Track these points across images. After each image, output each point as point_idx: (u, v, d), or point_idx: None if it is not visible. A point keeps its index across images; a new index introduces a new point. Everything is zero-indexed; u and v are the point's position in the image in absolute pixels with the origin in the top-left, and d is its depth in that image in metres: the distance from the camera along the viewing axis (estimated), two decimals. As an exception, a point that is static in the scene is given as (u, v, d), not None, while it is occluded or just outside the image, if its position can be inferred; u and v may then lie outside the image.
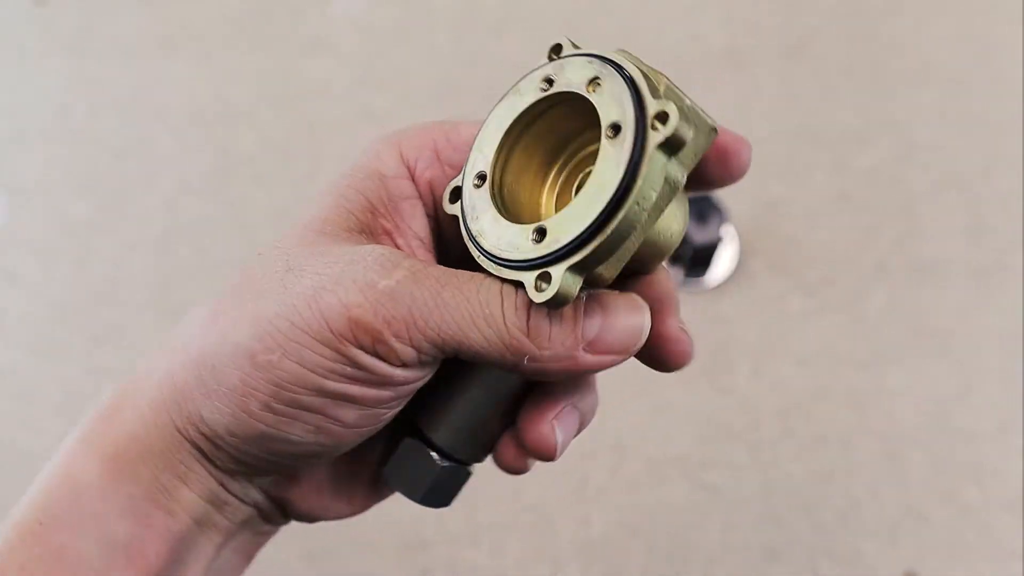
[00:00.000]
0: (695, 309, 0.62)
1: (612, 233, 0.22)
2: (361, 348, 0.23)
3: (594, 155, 0.23)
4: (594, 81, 0.23)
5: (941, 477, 0.57)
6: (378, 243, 0.25)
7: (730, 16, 0.74)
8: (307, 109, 0.71)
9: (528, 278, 0.23)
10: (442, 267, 0.24)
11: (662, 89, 0.23)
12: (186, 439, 0.25)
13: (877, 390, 0.59)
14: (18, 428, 0.61)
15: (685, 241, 0.58)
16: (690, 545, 0.55)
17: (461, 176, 0.25)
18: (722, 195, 0.65)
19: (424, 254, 0.26)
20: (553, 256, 0.22)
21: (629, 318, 0.24)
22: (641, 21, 0.75)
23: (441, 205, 0.26)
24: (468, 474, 0.29)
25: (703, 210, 0.60)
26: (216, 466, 0.26)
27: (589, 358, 0.24)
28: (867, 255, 0.64)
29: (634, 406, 0.59)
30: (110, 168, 0.70)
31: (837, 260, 0.64)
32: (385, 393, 0.24)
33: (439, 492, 0.28)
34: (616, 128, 0.22)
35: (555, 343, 0.23)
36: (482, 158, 0.25)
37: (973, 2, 0.74)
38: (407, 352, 0.23)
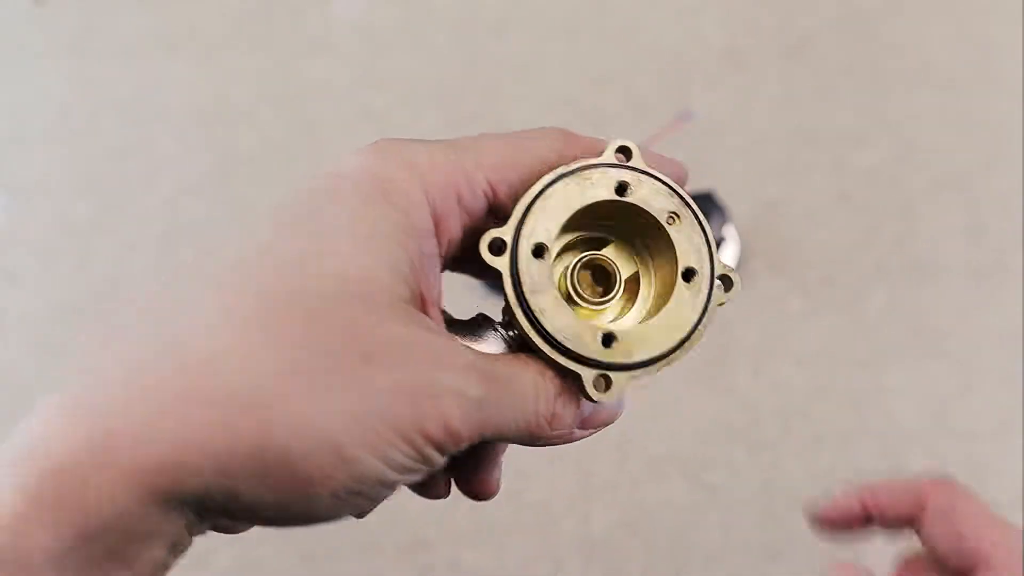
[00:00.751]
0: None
1: (668, 360, 0.26)
2: (436, 450, 0.23)
3: (608, 261, 0.27)
4: (673, 215, 0.26)
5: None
6: (419, 310, 0.24)
7: (730, 16, 0.74)
8: (307, 109, 0.71)
9: (587, 374, 0.25)
10: (500, 362, 0.24)
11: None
12: (185, 515, 0.22)
13: (876, 390, 0.59)
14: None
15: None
16: (690, 544, 0.55)
17: (511, 232, 0.25)
18: (722, 195, 0.65)
19: (439, 316, 0.26)
20: (621, 365, 0.25)
21: (613, 411, 0.27)
22: (641, 21, 0.75)
23: (481, 254, 0.25)
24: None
25: (705, 210, 0.60)
26: (203, 526, 0.23)
27: (579, 433, 0.26)
28: (866, 255, 0.64)
29: (635, 405, 0.59)
30: (110, 168, 0.70)
31: (837, 260, 0.64)
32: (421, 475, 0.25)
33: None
34: (691, 273, 0.26)
35: (564, 426, 0.25)
36: (543, 230, 0.25)
37: (972, 3, 0.74)
38: (463, 448, 0.24)
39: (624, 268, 0.27)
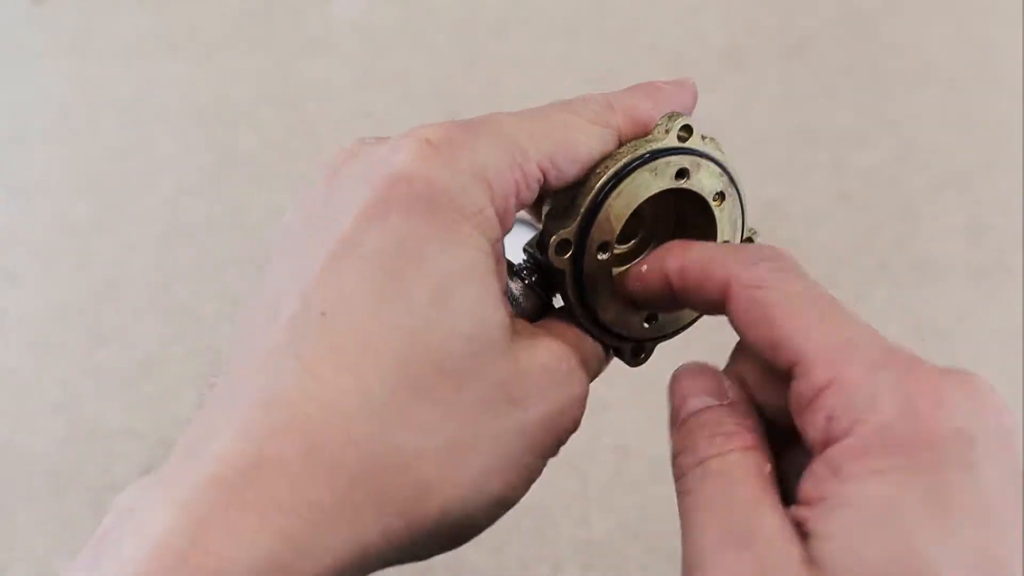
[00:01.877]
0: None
1: (694, 322, 0.28)
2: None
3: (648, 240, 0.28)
4: (720, 196, 0.27)
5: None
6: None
7: (730, 16, 0.74)
8: (307, 109, 0.71)
9: (626, 347, 0.27)
10: (583, 345, 0.25)
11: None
12: None
13: (877, 390, 0.59)
14: (17, 428, 0.60)
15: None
16: (690, 545, 0.55)
17: (575, 231, 0.25)
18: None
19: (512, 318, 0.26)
20: (654, 339, 0.27)
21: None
22: (641, 21, 0.74)
23: (550, 255, 0.25)
24: None
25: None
26: None
27: None
28: (867, 255, 0.64)
29: (635, 406, 0.59)
30: (110, 168, 0.70)
31: (837, 260, 0.63)
32: None
33: None
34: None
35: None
36: (609, 228, 0.25)
37: (973, 3, 0.74)
38: None
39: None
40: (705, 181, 0.27)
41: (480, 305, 0.22)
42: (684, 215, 0.27)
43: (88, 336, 0.63)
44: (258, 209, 0.67)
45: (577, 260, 0.25)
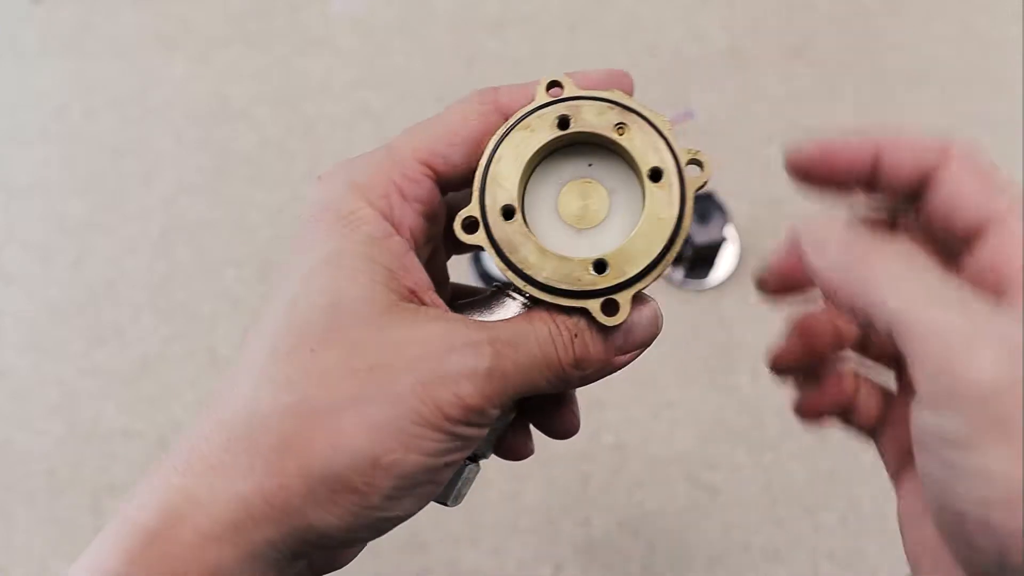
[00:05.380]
0: (696, 309, 0.61)
1: (666, 261, 0.26)
2: (467, 425, 0.25)
3: (588, 187, 0.28)
4: (620, 126, 0.27)
5: (942, 477, 0.56)
6: (416, 303, 0.26)
7: (732, 16, 0.74)
8: (306, 108, 0.71)
9: (593, 305, 0.26)
10: (503, 326, 0.26)
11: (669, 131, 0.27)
12: (267, 557, 0.25)
13: (878, 390, 0.59)
14: (15, 428, 0.60)
15: (687, 241, 0.58)
16: (691, 546, 0.55)
17: (477, 207, 0.27)
18: (723, 195, 0.64)
19: (437, 298, 0.27)
20: (619, 286, 0.26)
21: (644, 313, 0.27)
22: (643, 20, 0.74)
23: (457, 236, 0.27)
24: (477, 470, 0.31)
25: (706, 210, 0.60)
26: (289, 567, 0.26)
27: (622, 358, 0.27)
28: (868, 255, 0.63)
29: (635, 406, 0.58)
30: (108, 167, 0.70)
31: (838, 260, 0.63)
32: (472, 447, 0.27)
33: (450, 488, 0.30)
34: (657, 172, 0.26)
35: (593, 363, 0.27)
36: (504, 192, 0.27)
37: (974, 2, 0.73)
38: (495, 412, 0.26)
39: (609, 184, 0.28)
40: (593, 120, 0.27)
41: (338, 282, 0.25)
42: (610, 155, 0.28)
43: (86, 336, 0.63)
44: (257, 208, 0.67)
45: (490, 233, 0.26)
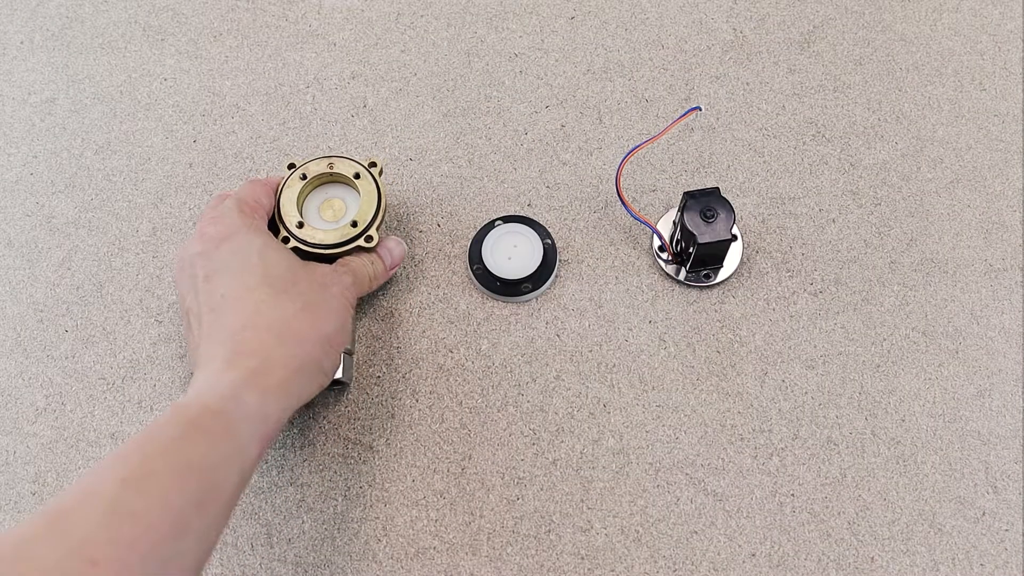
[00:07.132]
0: (701, 309, 0.60)
1: (381, 210, 0.55)
2: (353, 308, 0.55)
3: (332, 201, 0.57)
4: (331, 164, 0.56)
5: (955, 482, 0.55)
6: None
7: (737, 7, 0.73)
8: (299, 102, 0.69)
9: (361, 241, 0.55)
10: (347, 263, 0.55)
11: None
12: (292, 406, 0.48)
13: (888, 392, 0.58)
14: (0, 432, 0.59)
15: (691, 239, 0.56)
16: (695, 553, 0.54)
17: (283, 228, 0.55)
18: (728, 191, 0.63)
19: None
20: (368, 225, 0.55)
21: (399, 246, 0.58)
22: (647, 12, 0.73)
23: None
24: (351, 359, 0.57)
25: (710, 207, 0.58)
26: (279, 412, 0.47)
27: (391, 272, 0.58)
28: (877, 253, 0.62)
29: (637, 409, 0.57)
30: (96, 164, 0.68)
31: (847, 259, 0.62)
32: None
33: (346, 372, 0.55)
34: (358, 175, 0.56)
35: (383, 270, 0.57)
36: (294, 216, 0.55)
37: (986, -8, 0.72)
38: (366, 292, 0.57)
39: (340, 195, 0.57)
40: (344, 170, 0.57)
41: (280, 253, 0.51)
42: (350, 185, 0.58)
43: (73, 338, 0.62)
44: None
45: (298, 239, 0.55)
